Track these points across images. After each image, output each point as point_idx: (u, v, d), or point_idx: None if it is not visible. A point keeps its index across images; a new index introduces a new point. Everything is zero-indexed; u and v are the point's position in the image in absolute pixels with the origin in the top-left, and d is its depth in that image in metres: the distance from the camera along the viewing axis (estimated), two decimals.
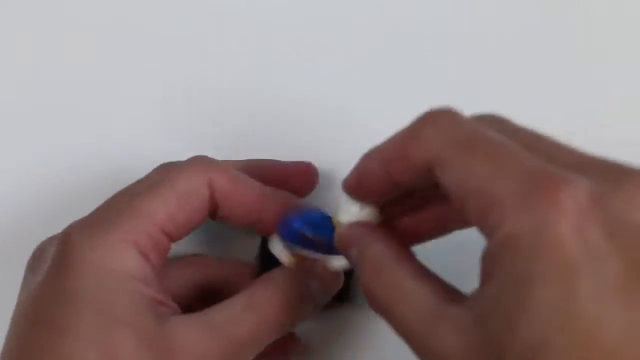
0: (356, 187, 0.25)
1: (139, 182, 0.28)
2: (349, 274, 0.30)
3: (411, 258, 0.23)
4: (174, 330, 0.24)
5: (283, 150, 0.33)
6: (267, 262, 0.29)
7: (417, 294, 0.21)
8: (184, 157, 0.29)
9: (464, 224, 0.25)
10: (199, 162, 0.28)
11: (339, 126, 0.34)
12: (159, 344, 0.23)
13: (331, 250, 0.27)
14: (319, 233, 0.27)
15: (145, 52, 0.36)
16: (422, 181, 0.22)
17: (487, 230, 0.20)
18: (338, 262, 0.28)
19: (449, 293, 0.22)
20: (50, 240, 0.26)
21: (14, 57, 0.37)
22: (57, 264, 0.24)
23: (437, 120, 0.22)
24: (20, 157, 0.36)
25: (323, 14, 0.36)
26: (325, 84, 0.36)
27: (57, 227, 0.27)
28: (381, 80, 0.35)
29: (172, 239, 0.26)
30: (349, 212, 0.25)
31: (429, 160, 0.21)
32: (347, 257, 0.25)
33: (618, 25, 0.35)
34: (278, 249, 0.28)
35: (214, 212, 0.28)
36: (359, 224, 0.25)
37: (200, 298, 0.29)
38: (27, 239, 0.27)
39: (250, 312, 0.25)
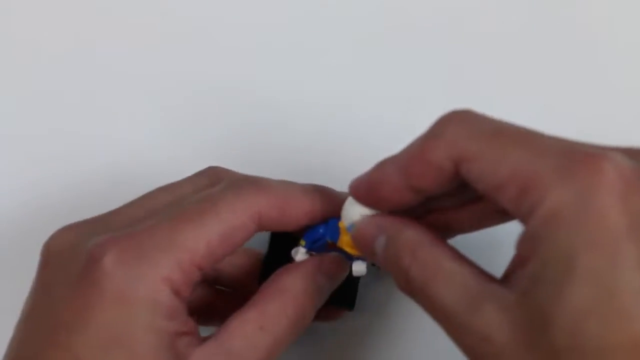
0: (367, 195, 0.24)
1: (184, 197, 0.26)
2: (356, 281, 0.30)
3: (445, 242, 0.23)
4: None
5: (288, 153, 0.34)
6: (276, 258, 0.29)
7: (457, 274, 0.21)
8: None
9: (493, 220, 0.25)
10: (248, 191, 0.26)
11: (345, 128, 0.35)
12: None
13: (351, 255, 0.27)
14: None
15: (149, 56, 0.37)
16: (444, 184, 0.22)
17: (525, 212, 0.20)
18: (359, 267, 0.28)
19: (485, 274, 0.21)
20: (74, 237, 0.25)
21: (17, 62, 0.37)
22: (86, 288, 0.23)
23: (460, 118, 0.22)
24: (24, 161, 0.35)
25: (330, 22, 0.37)
26: (329, 85, 0.36)
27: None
28: (386, 84, 0.36)
29: (207, 270, 0.25)
30: (357, 214, 0.25)
31: (454, 157, 0.21)
32: (368, 250, 0.25)
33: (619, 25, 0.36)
34: (301, 253, 0.28)
35: None
36: (382, 215, 0.25)
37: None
38: (29, 243, 0.27)
39: (266, 335, 0.25)
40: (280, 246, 0.29)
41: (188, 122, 0.36)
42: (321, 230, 0.27)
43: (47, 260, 0.25)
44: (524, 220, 0.20)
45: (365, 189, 0.24)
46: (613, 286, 0.18)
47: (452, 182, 0.22)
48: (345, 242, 0.27)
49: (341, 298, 0.30)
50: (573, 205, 0.19)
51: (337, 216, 0.27)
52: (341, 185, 0.27)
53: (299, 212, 0.27)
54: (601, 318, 0.18)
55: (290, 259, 0.28)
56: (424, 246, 0.23)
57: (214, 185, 0.27)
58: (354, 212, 0.25)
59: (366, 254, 0.25)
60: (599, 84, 0.35)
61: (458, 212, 0.25)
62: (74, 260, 0.24)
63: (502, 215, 0.24)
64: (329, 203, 0.27)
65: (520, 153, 0.20)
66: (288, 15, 0.37)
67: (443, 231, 0.25)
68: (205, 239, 0.24)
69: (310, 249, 0.28)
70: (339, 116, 0.35)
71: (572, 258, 0.18)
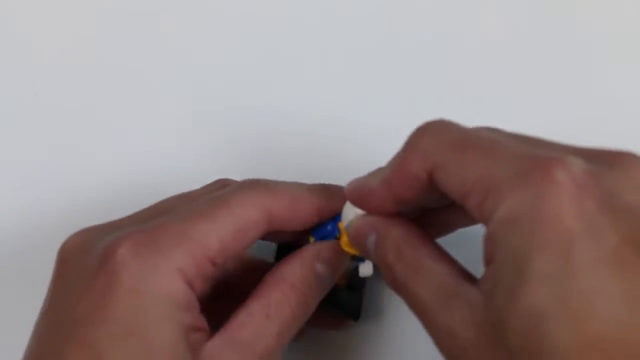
0: (359, 203, 0.26)
1: (196, 199, 0.27)
2: (361, 291, 0.30)
3: (430, 240, 0.24)
4: (207, 357, 0.24)
5: (291, 157, 0.34)
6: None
7: (435, 274, 0.22)
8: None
9: (466, 223, 0.26)
10: (257, 190, 0.27)
11: (351, 138, 0.35)
12: None
13: (357, 257, 0.28)
14: None
15: (159, 65, 0.37)
16: (425, 195, 0.23)
17: (486, 217, 0.20)
18: (366, 268, 0.28)
19: (464, 274, 0.22)
20: (91, 237, 0.25)
21: (29, 70, 0.38)
22: (103, 282, 0.23)
23: (431, 130, 0.23)
24: (33, 168, 0.36)
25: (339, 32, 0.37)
26: (331, 89, 0.36)
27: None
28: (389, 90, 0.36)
29: (219, 265, 0.26)
30: (353, 214, 0.26)
31: (427, 168, 0.22)
32: (362, 247, 0.26)
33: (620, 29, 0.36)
34: None
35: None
36: (373, 215, 0.26)
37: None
38: (42, 252, 0.27)
39: (272, 321, 0.25)
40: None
41: (191, 130, 0.36)
42: (329, 227, 0.28)
43: (63, 259, 0.26)
44: (486, 223, 0.21)
45: (358, 197, 0.26)
46: (565, 288, 0.18)
47: (429, 190, 0.23)
48: (344, 242, 0.27)
49: (346, 308, 0.30)
50: (526, 209, 0.19)
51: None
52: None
53: (308, 210, 0.27)
54: (554, 320, 0.18)
55: None
56: (408, 245, 0.24)
57: (224, 188, 0.27)
58: (350, 212, 0.26)
59: (360, 251, 0.26)
60: (597, 88, 0.35)
61: (448, 211, 0.26)
62: (89, 256, 0.24)
63: None
64: (337, 201, 0.28)
65: (481, 161, 0.21)
66: (289, 21, 0.38)
67: (438, 228, 0.27)
68: (219, 234, 0.25)
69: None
70: (341, 120, 0.36)
71: (525, 260, 0.19)
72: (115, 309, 0.23)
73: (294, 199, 0.27)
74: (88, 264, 0.24)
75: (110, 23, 0.38)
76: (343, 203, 0.27)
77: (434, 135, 0.23)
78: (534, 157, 0.20)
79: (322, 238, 0.28)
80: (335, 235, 0.28)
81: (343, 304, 0.30)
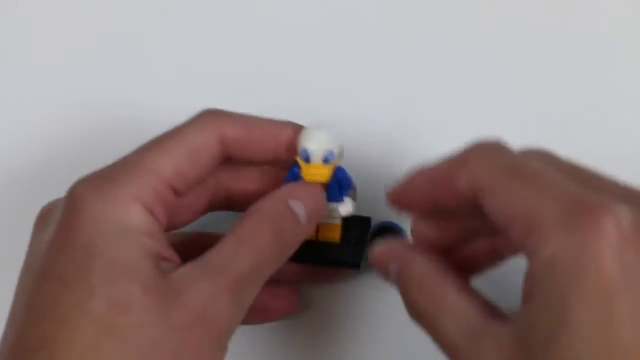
0: (399, 199, 0.25)
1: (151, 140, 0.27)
2: (363, 241, 0.30)
3: (453, 273, 0.24)
4: (178, 280, 0.24)
5: None
6: None
7: (461, 309, 0.22)
8: None
9: (513, 252, 0.25)
10: (209, 115, 0.27)
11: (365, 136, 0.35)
12: (165, 293, 0.23)
13: (334, 196, 0.28)
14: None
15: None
16: (463, 206, 0.23)
17: (529, 252, 0.20)
18: (346, 207, 0.29)
19: (491, 310, 0.22)
20: (57, 200, 0.26)
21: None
22: (64, 219, 0.24)
23: (485, 150, 0.23)
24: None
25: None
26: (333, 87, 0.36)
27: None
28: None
29: (180, 194, 0.26)
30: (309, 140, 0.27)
31: (474, 187, 0.22)
32: (384, 273, 0.25)
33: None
34: None
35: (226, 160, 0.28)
36: (396, 241, 0.26)
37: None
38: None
39: (245, 246, 0.25)
40: None
41: None
42: (295, 169, 0.28)
43: (35, 222, 0.26)
44: (529, 258, 0.20)
45: (399, 194, 0.26)
46: (604, 343, 0.18)
47: (471, 205, 0.23)
48: (304, 172, 0.28)
49: (347, 257, 0.30)
50: (570, 254, 0.19)
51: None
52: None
53: (263, 135, 0.27)
54: None
55: None
56: (431, 278, 0.24)
57: None
58: (302, 139, 0.27)
59: (383, 278, 0.26)
60: (604, 97, 0.35)
61: (480, 246, 0.26)
62: (54, 213, 0.25)
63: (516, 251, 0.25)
64: (293, 128, 0.28)
65: (530, 194, 0.21)
66: (289, 22, 0.37)
67: (469, 270, 0.26)
68: (172, 160, 0.25)
69: None
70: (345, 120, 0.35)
71: (566, 309, 0.19)
72: (77, 238, 0.23)
73: (247, 123, 0.27)
74: (56, 211, 0.25)
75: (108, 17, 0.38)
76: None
77: (486, 156, 0.23)
78: (583, 200, 0.20)
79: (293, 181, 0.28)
80: (300, 176, 0.28)
81: (344, 252, 0.30)
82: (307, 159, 0.28)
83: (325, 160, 0.28)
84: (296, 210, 0.27)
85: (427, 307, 0.23)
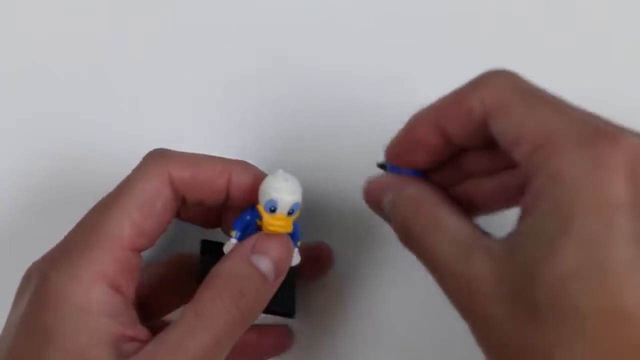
0: (403, 148, 0.25)
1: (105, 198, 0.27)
2: (292, 286, 0.29)
3: (448, 198, 0.24)
4: None
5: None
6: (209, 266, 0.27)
7: (455, 228, 0.22)
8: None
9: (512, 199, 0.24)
10: (154, 159, 0.26)
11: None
12: None
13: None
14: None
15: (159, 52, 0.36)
16: (470, 133, 0.23)
17: (537, 166, 0.20)
18: (295, 260, 0.27)
19: (482, 231, 0.22)
20: (32, 269, 0.26)
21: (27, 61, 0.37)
22: (31, 298, 0.24)
23: (499, 74, 0.23)
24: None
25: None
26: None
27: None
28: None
29: (143, 249, 0.26)
30: (274, 190, 0.26)
31: (486, 106, 0.22)
32: (378, 205, 0.25)
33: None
34: (231, 244, 0.27)
35: (182, 205, 0.27)
36: (390, 174, 0.26)
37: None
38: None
39: (203, 320, 0.24)
40: (212, 258, 0.28)
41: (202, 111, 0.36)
42: (248, 217, 0.27)
43: (19, 287, 0.26)
44: (533, 174, 0.20)
45: (399, 137, 0.25)
46: (604, 254, 0.18)
47: (479, 133, 0.23)
48: (266, 222, 0.26)
49: (280, 305, 0.28)
50: (582, 169, 0.19)
51: (255, 192, 0.27)
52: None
53: (210, 174, 0.26)
54: (586, 282, 0.18)
55: None
56: (426, 200, 0.24)
57: None
58: (267, 188, 0.26)
59: (374, 209, 0.26)
60: (602, 79, 0.34)
61: (487, 182, 0.25)
62: (29, 287, 0.25)
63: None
64: (243, 167, 0.27)
65: (545, 113, 0.21)
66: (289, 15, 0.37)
67: (466, 207, 0.25)
68: (127, 217, 0.25)
69: (241, 238, 0.27)
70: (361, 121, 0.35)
71: (570, 217, 0.19)
72: (38, 322, 0.23)
73: (193, 161, 0.26)
74: (31, 286, 0.25)
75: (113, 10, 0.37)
76: (252, 180, 0.27)
77: (501, 78, 0.22)
78: (600, 125, 0.20)
79: (244, 229, 0.27)
80: (255, 223, 0.27)
81: (275, 300, 0.27)
82: (272, 210, 0.26)
83: (290, 212, 0.26)
84: (261, 267, 0.26)
85: (422, 228, 0.23)
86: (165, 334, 0.24)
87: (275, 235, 0.26)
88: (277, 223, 0.26)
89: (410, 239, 0.23)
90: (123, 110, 0.36)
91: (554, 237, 0.19)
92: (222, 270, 0.25)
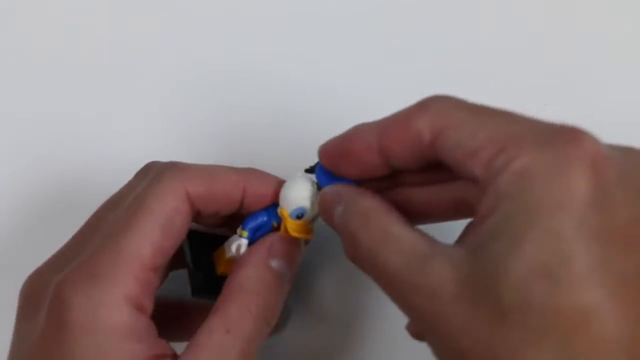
0: (338, 155, 0.24)
1: (116, 208, 0.26)
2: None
3: (398, 213, 0.23)
4: None
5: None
6: (202, 263, 0.28)
7: (406, 239, 0.21)
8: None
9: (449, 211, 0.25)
10: (169, 173, 0.26)
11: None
12: None
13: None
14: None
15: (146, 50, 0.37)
16: (415, 156, 0.22)
17: (495, 171, 0.20)
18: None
19: (436, 240, 0.21)
20: (39, 281, 0.25)
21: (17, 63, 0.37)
22: (51, 325, 0.23)
23: (444, 97, 0.22)
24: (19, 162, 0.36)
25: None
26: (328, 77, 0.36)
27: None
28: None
29: (162, 266, 0.25)
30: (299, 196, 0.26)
31: (436, 127, 0.21)
32: (330, 217, 0.25)
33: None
34: (244, 245, 0.27)
35: (195, 215, 0.27)
36: (343, 184, 0.25)
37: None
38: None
39: (234, 337, 0.24)
40: (200, 250, 0.28)
41: (189, 124, 0.36)
42: (264, 219, 0.27)
43: (20, 307, 0.25)
44: (491, 179, 0.20)
45: (336, 146, 0.25)
46: (570, 252, 0.18)
47: (422, 156, 0.22)
48: (290, 227, 0.26)
49: None
50: (546, 167, 0.19)
51: (270, 199, 0.27)
52: None
53: (227, 186, 0.26)
54: (552, 280, 0.18)
55: (212, 260, 0.28)
56: (375, 213, 0.23)
57: (146, 178, 0.27)
58: (297, 196, 0.26)
59: (327, 222, 0.25)
60: (598, 84, 0.35)
61: (420, 192, 0.25)
62: (41, 303, 0.24)
63: (458, 207, 0.24)
64: (263, 183, 0.27)
65: (501, 122, 0.21)
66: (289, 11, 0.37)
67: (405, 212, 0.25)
68: (148, 239, 0.24)
69: (252, 239, 0.27)
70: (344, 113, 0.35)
71: (534, 215, 0.18)
72: (66, 351, 0.23)
73: (209, 175, 0.26)
74: (40, 313, 0.24)
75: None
76: (268, 188, 0.27)
77: (446, 100, 0.22)
78: (559, 125, 0.20)
79: (256, 229, 0.27)
80: (271, 225, 0.27)
81: None
82: (299, 217, 0.27)
83: (314, 219, 0.27)
84: (279, 272, 0.26)
85: (371, 241, 0.22)
86: (195, 354, 0.24)
87: (290, 239, 0.27)
88: (302, 229, 0.27)
89: (359, 253, 0.22)
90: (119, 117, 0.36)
91: (518, 234, 0.18)
92: (246, 280, 0.26)
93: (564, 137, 0.19)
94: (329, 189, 0.25)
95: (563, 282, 0.18)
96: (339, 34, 0.37)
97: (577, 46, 0.36)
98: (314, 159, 0.26)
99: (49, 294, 0.24)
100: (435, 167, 0.23)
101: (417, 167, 0.23)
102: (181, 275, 0.29)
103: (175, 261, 0.27)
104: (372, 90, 0.36)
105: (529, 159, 0.19)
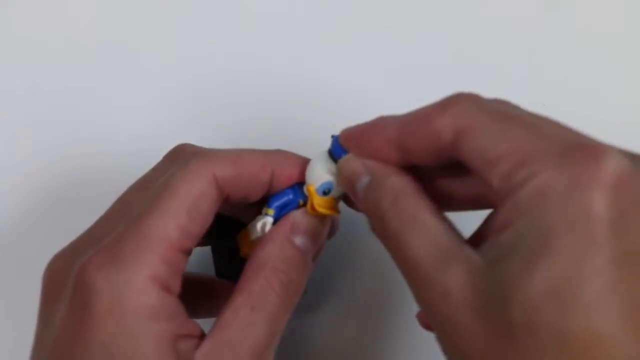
0: (358, 139, 0.24)
1: (142, 191, 0.26)
2: None
3: (428, 197, 0.23)
4: None
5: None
6: (223, 243, 0.28)
7: (434, 228, 0.21)
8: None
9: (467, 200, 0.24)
10: (197, 158, 0.26)
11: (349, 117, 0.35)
12: None
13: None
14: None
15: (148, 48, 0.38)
16: (433, 155, 0.22)
17: (514, 185, 0.20)
18: None
19: (461, 236, 0.21)
20: (63, 264, 0.25)
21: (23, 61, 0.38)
22: (78, 308, 0.23)
23: (468, 96, 0.22)
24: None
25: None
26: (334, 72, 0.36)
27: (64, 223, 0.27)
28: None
29: (189, 250, 0.25)
30: (325, 172, 0.26)
31: (457, 129, 0.21)
32: (352, 187, 0.24)
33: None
34: (269, 224, 0.27)
35: (224, 201, 0.26)
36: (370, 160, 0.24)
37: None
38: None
39: (259, 314, 0.24)
40: (224, 232, 0.28)
41: (194, 116, 0.37)
42: (290, 196, 0.27)
43: (44, 291, 0.25)
44: (510, 193, 0.20)
45: (358, 133, 0.24)
46: (583, 275, 0.18)
47: (441, 155, 0.22)
48: (317, 203, 0.26)
49: None
50: (565, 187, 0.19)
51: (297, 179, 0.27)
52: None
53: (254, 169, 0.26)
54: (564, 303, 0.18)
55: (236, 242, 0.28)
56: (406, 194, 0.22)
57: (172, 164, 0.26)
58: (323, 170, 0.26)
59: (348, 191, 0.25)
60: (599, 83, 0.35)
61: (438, 184, 0.25)
62: (65, 286, 0.24)
63: (476, 201, 0.24)
64: (289, 164, 0.27)
65: (523, 133, 0.20)
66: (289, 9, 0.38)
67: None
68: (175, 222, 0.24)
69: (277, 217, 0.27)
70: (349, 106, 0.35)
71: (551, 236, 0.18)
72: (94, 336, 0.22)
73: (236, 159, 0.26)
74: (65, 294, 0.24)
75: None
76: (296, 168, 0.27)
77: (473, 102, 0.22)
78: (580, 141, 0.19)
79: (282, 207, 0.27)
80: (297, 203, 0.27)
81: None
82: (326, 193, 0.26)
83: (340, 196, 0.27)
84: (302, 248, 0.26)
85: (397, 221, 0.22)
86: (222, 332, 0.24)
87: (313, 215, 0.26)
88: (328, 205, 0.26)
89: (385, 232, 0.22)
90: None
91: (532, 254, 0.18)
92: (269, 257, 0.25)
93: (586, 155, 0.19)
94: (353, 157, 0.25)
95: (573, 305, 0.18)
96: (339, 33, 0.37)
97: (577, 44, 0.36)
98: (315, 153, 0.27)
99: (72, 277, 0.23)
100: (454, 165, 0.23)
101: (435, 164, 0.23)
102: (206, 251, 0.28)
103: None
104: (373, 86, 0.36)
105: (549, 177, 0.19)
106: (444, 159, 0.22)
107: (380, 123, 0.24)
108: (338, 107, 0.35)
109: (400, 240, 0.21)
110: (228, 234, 0.28)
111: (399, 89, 0.35)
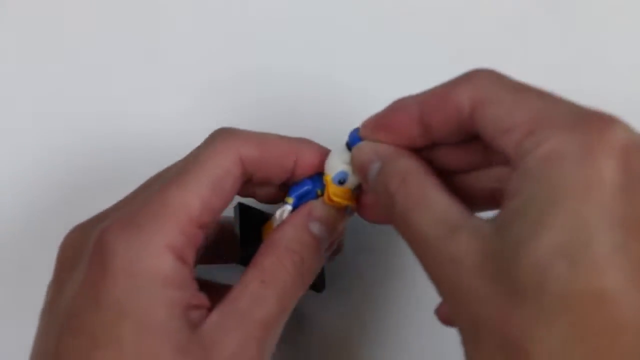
0: (381, 123, 0.25)
1: (171, 167, 0.27)
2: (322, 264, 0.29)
3: (436, 176, 0.23)
4: (208, 333, 0.24)
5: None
6: (251, 236, 0.29)
7: (441, 204, 0.22)
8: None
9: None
10: (225, 136, 0.26)
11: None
12: (195, 351, 0.23)
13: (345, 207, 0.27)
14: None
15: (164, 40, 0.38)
16: (454, 127, 0.23)
17: (525, 151, 0.20)
18: None
19: (468, 210, 0.22)
20: (82, 233, 0.25)
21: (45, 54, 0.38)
22: (94, 270, 0.23)
23: (483, 72, 0.22)
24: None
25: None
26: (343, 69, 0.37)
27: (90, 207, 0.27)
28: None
29: (208, 226, 0.25)
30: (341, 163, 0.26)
31: (475, 99, 0.22)
32: (364, 173, 0.25)
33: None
34: (287, 211, 0.27)
35: (246, 183, 0.27)
36: (381, 144, 0.25)
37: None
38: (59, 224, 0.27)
39: (269, 287, 0.25)
40: (249, 222, 0.29)
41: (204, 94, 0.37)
42: (309, 187, 0.27)
43: (60, 259, 0.26)
44: (520, 159, 0.20)
45: (380, 118, 0.25)
46: (592, 236, 0.18)
47: (461, 128, 0.23)
48: (332, 193, 0.27)
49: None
50: (574, 151, 0.19)
51: (318, 169, 0.27)
52: None
53: (278, 152, 0.27)
54: (572, 263, 0.18)
55: (261, 233, 0.28)
56: (414, 174, 0.23)
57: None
58: (336, 161, 0.27)
59: (360, 177, 0.26)
60: (599, 84, 0.35)
61: (456, 179, 0.25)
62: (83, 250, 0.24)
63: (494, 196, 0.24)
64: (312, 152, 0.27)
65: (538, 102, 0.21)
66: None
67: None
68: (197, 194, 0.24)
69: (296, 206, 0.27)
70: (360, 102, 0.35)
71: (560, 198, 0.18)
72: (108, 294, 0.23)
73: (262, 140, 0.27)
74: (82, 257, 0.24)
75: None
76: (319, 157, 0.27)
77: (490, 75, 0.22)
78: (592, 111, 0.20)
79: (301, 197, 0.27)
80: (315, 193, 0.27)
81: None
82: (341, 182, 0.27)
83: (357, 188, 0.27)
84: (317, 234, 0.27)
85: (407, 201, 0.22)
86: (231, 304, 0.24)
87: (330, 204, 0.27)
88: (342, 194, 0.27)
89: (393, 213, 0.23)
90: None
91: (541, 216, 0.18)
92: (283, 237, 0.26)
93: (596, 122, 0.19)
94: (365, 144, 0.25)
95: (581, 265, 0.18)
96: (340, 32, 0.37)
97: (577, 44, 0.36)
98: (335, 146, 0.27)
99: (91, 241, 0.24)
100: (473, 143, 0.23)
101: (456, 139, 0.24)
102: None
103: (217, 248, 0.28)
104: (374, 83, 0.36)
105: (559, 141, 0.19)
106: (464, 133, 0.23)
107: (400, 104, 0.24)
108: (344, 103, 0.36)
109: (409, 218, 0.22)
110: (253, 224, 0.29)
111: (399, 88, 0.34)
